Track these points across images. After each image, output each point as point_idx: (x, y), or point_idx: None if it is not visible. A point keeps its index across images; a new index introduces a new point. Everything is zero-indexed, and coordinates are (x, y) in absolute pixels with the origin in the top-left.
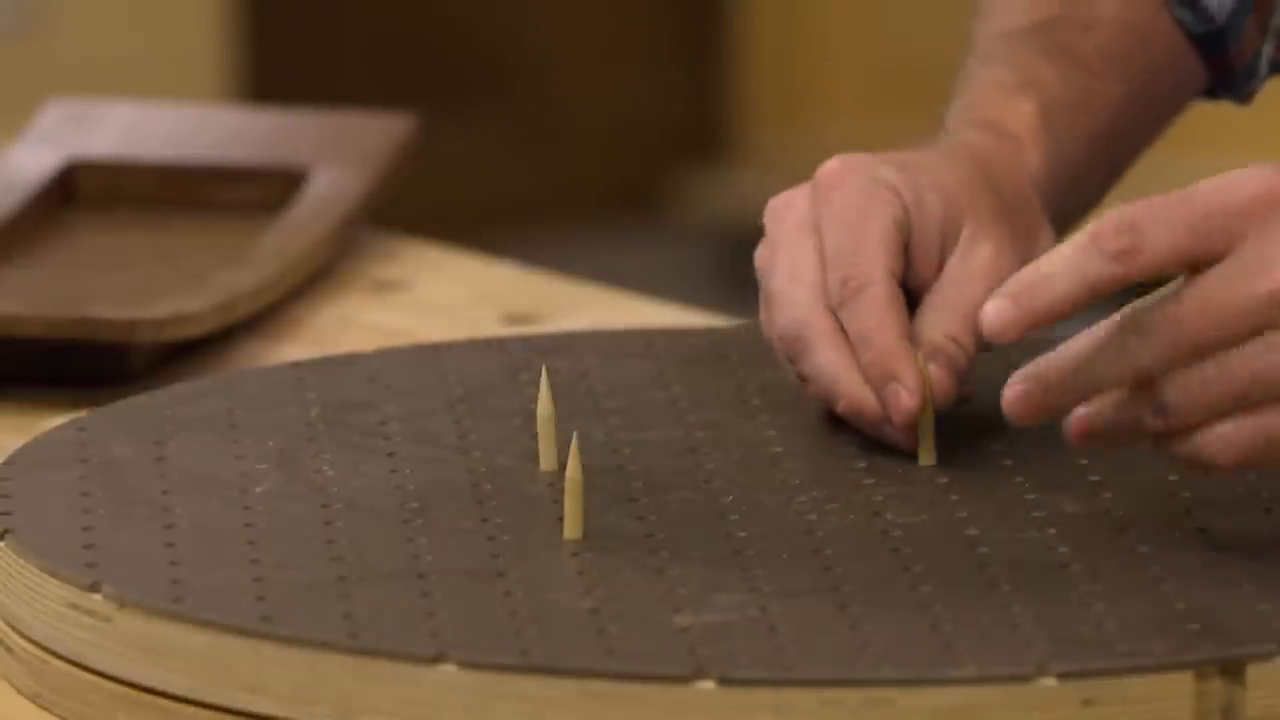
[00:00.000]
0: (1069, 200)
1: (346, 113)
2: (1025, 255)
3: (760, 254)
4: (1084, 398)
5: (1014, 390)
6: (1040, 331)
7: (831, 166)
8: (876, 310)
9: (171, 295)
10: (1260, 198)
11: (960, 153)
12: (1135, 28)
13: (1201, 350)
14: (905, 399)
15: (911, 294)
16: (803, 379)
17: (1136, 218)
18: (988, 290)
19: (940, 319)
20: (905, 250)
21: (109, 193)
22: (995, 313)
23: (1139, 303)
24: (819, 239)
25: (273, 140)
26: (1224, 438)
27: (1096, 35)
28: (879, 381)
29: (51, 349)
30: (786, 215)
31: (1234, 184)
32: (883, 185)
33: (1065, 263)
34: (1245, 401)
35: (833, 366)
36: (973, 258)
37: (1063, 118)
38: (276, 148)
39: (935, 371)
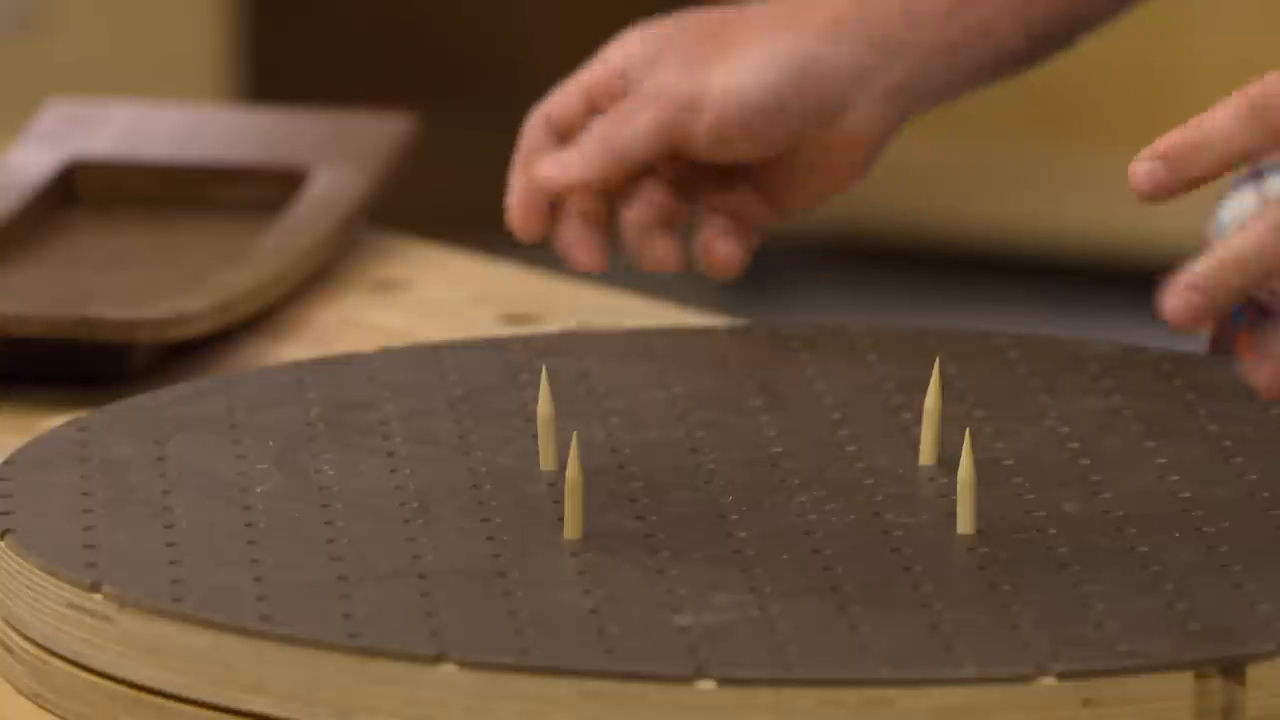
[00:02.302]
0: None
1: (346, 113)
2: None
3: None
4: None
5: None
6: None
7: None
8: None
9: (171, 295)
10: None
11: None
12: None
13: None
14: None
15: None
16: None
17: None
18: None
19: None
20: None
21: (109, 193)
22: (1147, 175)
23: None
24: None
25: (273, 140)
26: None
27: None
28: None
29: (52, 349)
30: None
31: None
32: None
33: (1221, 131)
34: None
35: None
36: None
37: None
38: (276, 148)
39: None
